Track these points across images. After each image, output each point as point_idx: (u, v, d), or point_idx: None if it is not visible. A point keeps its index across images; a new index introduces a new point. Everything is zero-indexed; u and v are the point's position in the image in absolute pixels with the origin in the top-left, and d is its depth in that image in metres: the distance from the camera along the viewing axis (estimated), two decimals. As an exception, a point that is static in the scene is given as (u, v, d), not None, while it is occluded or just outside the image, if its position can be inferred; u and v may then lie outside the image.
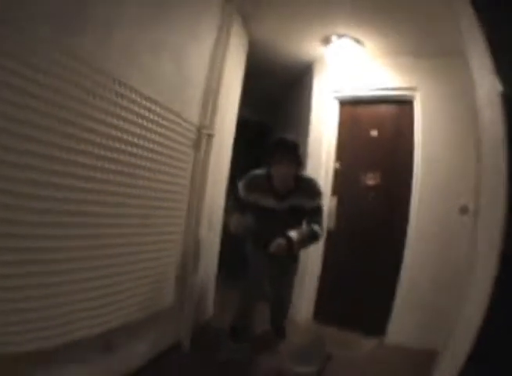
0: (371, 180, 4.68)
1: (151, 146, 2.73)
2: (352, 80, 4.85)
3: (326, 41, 4.45)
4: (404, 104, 4.56)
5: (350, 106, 4.95)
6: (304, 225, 3.40)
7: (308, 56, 4.98)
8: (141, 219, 2.76)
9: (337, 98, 4.98)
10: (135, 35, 2.50)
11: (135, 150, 2.57)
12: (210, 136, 3.51)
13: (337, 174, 4.89)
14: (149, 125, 2.69)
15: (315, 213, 3.44)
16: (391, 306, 4.20)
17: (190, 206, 3.43)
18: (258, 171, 3.50)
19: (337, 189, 4.85)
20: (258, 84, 5.71)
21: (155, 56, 2.72)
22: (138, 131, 2.58)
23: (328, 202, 4.73)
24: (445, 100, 4.27)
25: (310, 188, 3.42)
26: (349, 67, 4.83)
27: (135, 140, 2.57)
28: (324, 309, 4.69)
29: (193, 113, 3.33)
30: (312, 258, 4.74)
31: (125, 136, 2.47)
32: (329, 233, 4.77)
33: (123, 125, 2.44)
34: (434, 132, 4.30)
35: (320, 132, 4.95)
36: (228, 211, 3.64)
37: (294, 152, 3.27)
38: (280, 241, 3.16)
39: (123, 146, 2.46)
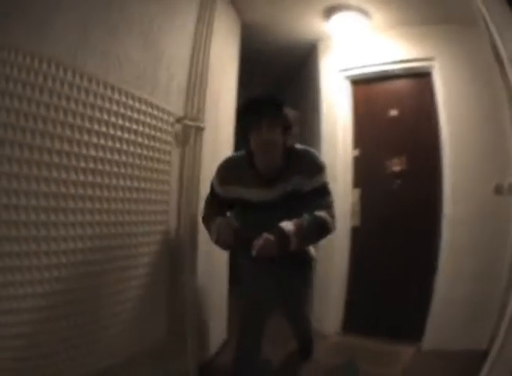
0: (396, 166, 4.26)
1: (116, 145, 2.26)
2: (362, 56, 4.45)
3: (328, 14, 4.02)
4: (422, 77, 4.19)
5: (363, 85, 4.53)
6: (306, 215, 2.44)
7: (310, 33, 4.47)
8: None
9: (348, 77, 4.54)
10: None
11: (92, 153, 2.11)
12: (199, 129, 3.02)
13: (357, 163, 4.43)
14: (110, 119, 2.22)
15: (319, 195, 2.53)
16: (428, 307, 3.79)
17: (180, 218, 2.93)
18: (234, 154, 2.78)
19: (358, 181, 4.41)
20: (259, 70, 5.38)
21: (113, 32, 2.28)
22: (93, 127, 2.12)
23: (350, 196, 4.37)
24: (466, 68, 3.89)
25: (307, 163, 2.53)
26: (357, 42, 4.46)
27: (90, 138, 2.09)
28: (354, 318, 4.29)
29: (172, 102, 2.85)
30: (337, 260, 4.32)
31: (76, 135, 2.01)
32: (355, 231, 4.36)
33: (72, 121, 1.99)
34: (459, 105, 3.90)
35: (334, 118, 4.51)
36: (205, 217, 2.76)
37: (275, 111, 2.43)
38: (266, 236, 2.26)
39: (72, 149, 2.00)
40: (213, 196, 2.75)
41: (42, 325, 1.84)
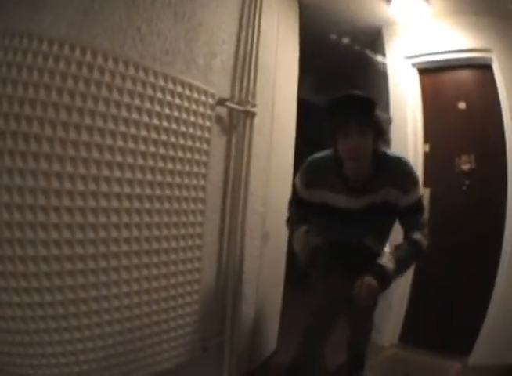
0: (465, 164, 3.90)
1: (132, 131, 1.96)
2: (426, 43, 4.15)
3: None
4: (484, 68, 3.90)
5: (430, 74, 4.21)
6: (404, 242, 2.31)
7: (372, 17, 4.19)
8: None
9: (414, 65, 4.18)
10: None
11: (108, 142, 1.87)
12: (249, 114, 2.70)
13: (427, 159, 4.11)
14: (123, 99, 1.92)
15: (414, 213, 2.29)
16: (481, 323, 3.57)
17: (223, 216, 2.64)
18: (321, 154, 2.41)
19: (428, 179, 4.04)
20: (321, 56, 5.13)
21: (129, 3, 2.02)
22: (108, 110, 1.87)
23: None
24: None
25: (401, 174, 2.23)
26: (419, 28, 4.18)
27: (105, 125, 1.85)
28: (412, 330, 4.05)
29: (215, 82, 2.53)
30: None
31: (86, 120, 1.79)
32: None
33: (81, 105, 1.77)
34: None
35: (403, 108, 4.15)
36: (289, 220, 2.56)
37: (367, 113, 2.11)
38: (368, 282, 2.07)
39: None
40: (296, 199, 2.51)
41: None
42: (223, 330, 2.67)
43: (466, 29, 3.89)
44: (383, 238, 2.46)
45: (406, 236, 2.29)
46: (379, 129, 2.16)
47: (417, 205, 2.27)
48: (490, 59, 3.76)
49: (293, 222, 2.48)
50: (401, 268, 2.20)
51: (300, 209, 2.49)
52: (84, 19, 1.78)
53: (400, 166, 2.24)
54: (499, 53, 3.71)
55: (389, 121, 2.45)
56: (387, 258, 2.18)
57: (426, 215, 2.36)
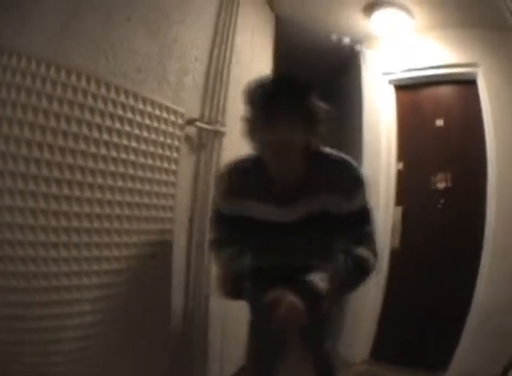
0: (441, 182, 3.88)
1: (102, 151, 1.95)
2: (406, 58, 4.13)
3: (370, 10, 3.73)
4: (467, 84, 3.88)
5: (408, 91, 4.20)
6: (339, 252, 1.80)
7: (350, 31, 4.16)
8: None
9: (391, 81, 4.18)
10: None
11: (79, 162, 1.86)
12: (218, 134, 2.69)
13: (400, 177, 4.11)
14: (94, 120, 1.90)
15: (358, 222, 1.85)
16: (458, 339, 3.55)
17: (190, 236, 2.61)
18: (241, 157, 2.00)
19: (401, 197, 4.08)
20: (296, 71, 4.97)
21: (104, 19, 2.01)
22: (79, 130, 1.85)
23: (391, 214, 4.06)
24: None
25: (342, 176, 1.81)
26: (400, 43, 4.16)
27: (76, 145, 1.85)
28: (384, 346, 4.00)
29: (186, 100, 2.52)
30: (373, 284, 3.83)
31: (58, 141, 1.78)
32: (393, 254, 4.02)
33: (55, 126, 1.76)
34: (507, 116, 3.58)
35: (376, 126, 4.19)
36: (212, 243, 2.15)
37: (297, 98, 1.70)
38: (290, 302, 1.59)
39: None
40: (217, 216, 2.06)
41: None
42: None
43: (452, 43, 3.88)
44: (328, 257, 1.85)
45: (348, 251, 1.78)
46: (313, 119, 1.72)
47: (362, 213, 1.86)
48: (475, 74, 3.74)
49: (216, 243, 2.06)
50: (338, 287, 1.70)
51: (223, 228, 2.04)
52: (60, 35, 1.77)
53: (340, 166, 1.83)
54: (485, 67, 3.69)
55: (329, 113, 1.77)
56: (316, 273, 1.69)
57: (374, 228, 1.91)
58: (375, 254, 1.82)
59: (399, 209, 4.02)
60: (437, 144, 3.96)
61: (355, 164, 1.84)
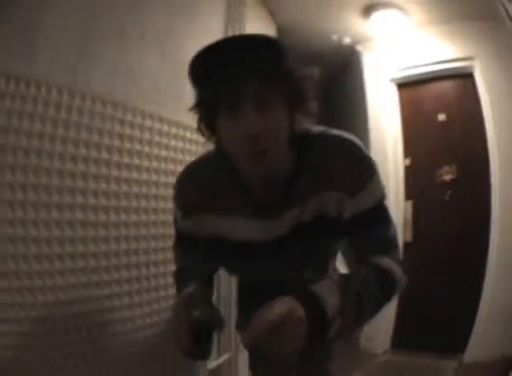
0: (447, 175, 3.95)
1: (134, 175, 1.99)
2: (405, 57, 4.19)
3: (368, 12, 3.78)
4: (465, 78, 3.94)
5: (409, 88, 4.27)
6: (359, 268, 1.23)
7: (349, 33, 4.22)
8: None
9: (392, 80, 4.24)
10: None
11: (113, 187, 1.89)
12: None
13: (408, 172, 4.15)
14: (124, 145, 1.94)
15: (373, 225, 1.25)
16: (473, 321, 3.60)
17: None
18: (198, 159, 1.44)
19: (410, 192, 4.12)
20: None
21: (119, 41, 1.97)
22: (102, 156, 1.85)
23: (402, 209, 4.06)
24: (509, 67, 3.58)
25: (342, 161, 1.20)
26: (398, 42, 4.21)
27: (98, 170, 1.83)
28: (403, 335, 4.05)
29: None
30: None
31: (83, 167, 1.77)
32: (406, 247, 3.96)
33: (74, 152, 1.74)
34: (505, 108, 3.62)
35: (381, 124, 4.23)
36: (174, 276, 1.55)
37: (270, 67, 1.06)
38: (274, 315, 0.93)
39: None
40: (179, 239, 1.50)
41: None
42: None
43: (447, 38, 3.92)
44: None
45: (365, 262, 1.22)
46: (295, 93, 1.14)
47: (378, 212, 1.26)
48: (472, 67, 3.80)
49: (176, 278, 1.52)
50: (356, 310, 1.09)
51: (184, 253, 1.50)
52: (78, 62, 1.75)
53: (340, 149, 1.22)
54: (482, 60, 3.74)
55: (313, 76, 1.17)
56: (324, 284, 1.09)
57: (395, 229, 1.31)
58: (399, 264, 1.26)
59: (409, 203, 4.07)
60: (440, 138, 4.02)
61: (359, 143, 1.25)
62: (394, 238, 1.29)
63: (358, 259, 1.25)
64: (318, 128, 1.27)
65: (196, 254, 1.43)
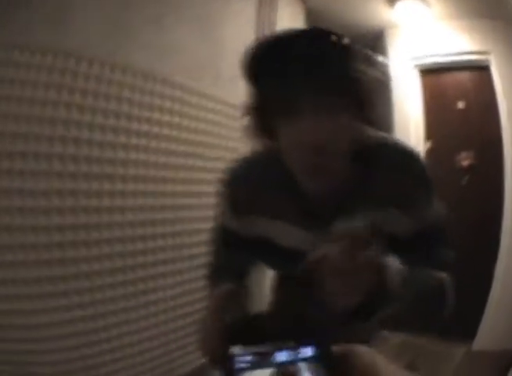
0: (465, 160, 4.00)
1: (172, 147, 2.05)
2: (427, 45, 4.25)
3: (393, 1, 3.89)
4: (482, 70, 4.00)
5: (431, 75, 4.32)
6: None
7: (375, 20, 4.27)
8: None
9: (416, 66, 4.28)
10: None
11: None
12: None
13: (429, 156, 4.14)
14: (163, 117, 2.01)
15: (430, 244, 1.15)
16: (482, 308, 3.63)
17: None
18: (254, 155, 1.27)
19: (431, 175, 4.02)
20: None
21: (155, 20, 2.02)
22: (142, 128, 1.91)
23: None
24: None
25: (402, 175, 1.08)
26: (421, 31, 4.27)
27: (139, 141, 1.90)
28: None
29: (240, 95, 2.50)
30: None
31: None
32: None
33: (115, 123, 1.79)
34: None
35: (405, 108, 4.26)
36: (209, 277, 1.33)
37: (335, 68, 0.92)
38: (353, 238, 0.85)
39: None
40: (221, 236, 1.35)
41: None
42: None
43: (466, 32, 3.98)
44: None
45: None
46: (362, 98, 0.98)
47: (436, 230, 1.16)
48: (488, 60, 3.86)
49: (211, 276, 1.33)
50: (408, 289, 0.96)
51: (225, 252, 1.36)
52: (116, 36, 1.81)
53: (400, 162, 1.11)
54: (497, 55, 3.80)
55: (381, 83, 1.03)
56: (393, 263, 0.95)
57: (452, 252, 1.19)
58: (452, 287, 1.15)
59: (430, 188, 4.05)
60: (459, 125, 4.08)
61: (420, 155, 1.16)
62: (450, 257, 1.18)
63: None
64: (378, 135, 1.14)
65: (237, 253, 1.30)
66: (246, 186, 1.20)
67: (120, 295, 1.83)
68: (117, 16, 1.83)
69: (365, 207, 1.08)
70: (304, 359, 0.70)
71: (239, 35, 2.58)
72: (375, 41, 4.58)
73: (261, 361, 0.70)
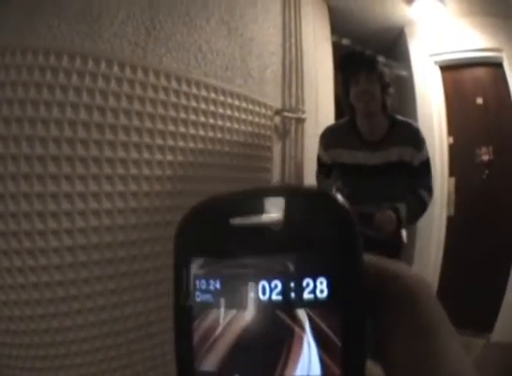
0: (485, 155, 3.93)
1: (208, 147, 1.99)
2: (446, 42, 4.17)
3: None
4: (497, 67, 3.96)
5: (451, 71, 4.22)
6: (412, 197, 2.26)
7: (394, 18, 4.21)
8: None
9: (436, 63, 4.19)
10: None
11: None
12: (299, 121, 2.74)
13: (452, 150, 4.14)
14: (199, 119, 1.94)
15: (423, 171, 2.26)
16: (501, 300, 3.61)
17: None
18: (339, 120, 2.52)
19: (453, 169, 4.12)
20: None
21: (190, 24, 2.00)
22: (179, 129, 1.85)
23: (446, 186, 4.09)
24: None
25: (412, 134, 2.24)
26: (439, 28, 4.20)
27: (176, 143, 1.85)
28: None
29: (268, 93, 2.54)
30: (434, 250, 4.11)
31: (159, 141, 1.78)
32: (450, 220, 4.11)
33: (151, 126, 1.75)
34: None
35: (428, 104, 4.20)
36: (316, 178, 2.53)
37: (371, 64, 2.18)
38: (390, 214, 2.08)
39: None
40: (321, 167, 2.46)
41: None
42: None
43: (480, 29, 3.92)
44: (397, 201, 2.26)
45: (414, 193, 2.23)
46: (383, 81, 2.18)
47: (426, 164, 2.25)
48: (501, 57, 3.83)
49: (320, 177, 2.47)
50: (410, 217, 2.17)
51: (321, 171, 2.46)
52: (147, 39, 1.76)
53: (409, 127, 2.26)
54: (508, 52, 3.76)
55: (393, 77, 2.35)
56: (401, 205, 2.12)
57: (432, 176, 2.31)
58: (431, 194, 2.26)
59: (452, 180, 4.06)
60: (479, 120, 4.02)
61: (418, 126, 2.33)
62: (431, 179, 2.27)
63: (413, 190, 2.22)
64: (399, 116, 2.30)
65: (329, 176, 2.41)
66: (330, 134, 2.38)
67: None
68: (147, 19, 1.79)
69: (393, 145, 2.18)
70: None
71: (267, 35, 2.56)
72: (394, 37, 4.58)
73: None
